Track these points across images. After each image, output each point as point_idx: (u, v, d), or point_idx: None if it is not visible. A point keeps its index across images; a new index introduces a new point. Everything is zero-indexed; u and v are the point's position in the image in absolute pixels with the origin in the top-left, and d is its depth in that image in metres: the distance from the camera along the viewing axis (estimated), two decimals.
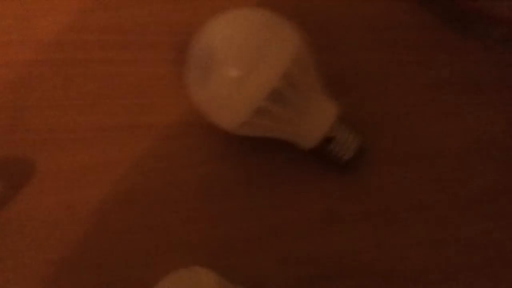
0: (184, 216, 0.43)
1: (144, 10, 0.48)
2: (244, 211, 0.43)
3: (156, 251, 0.42)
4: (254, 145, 0.44)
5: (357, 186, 0.44)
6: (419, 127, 0.46)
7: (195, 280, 0.38)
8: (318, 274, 0.42)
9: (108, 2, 0.48)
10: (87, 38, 0.47)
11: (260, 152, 0.44)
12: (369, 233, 0.43)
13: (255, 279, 0.42)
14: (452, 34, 0.48)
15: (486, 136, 0.46)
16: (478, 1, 0.47)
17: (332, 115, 0.42)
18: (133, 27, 0.47)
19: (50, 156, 0.43)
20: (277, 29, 0.41)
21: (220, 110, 0.41)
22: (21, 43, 0.46)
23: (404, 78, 0.47)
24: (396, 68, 0.47)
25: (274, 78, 0.40)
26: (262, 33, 0.41)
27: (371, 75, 0.47)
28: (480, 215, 0.44)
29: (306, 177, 0.44)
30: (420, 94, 0.47)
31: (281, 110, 0.41)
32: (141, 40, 0.47)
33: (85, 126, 0.44)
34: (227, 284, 0.38)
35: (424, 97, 0.47)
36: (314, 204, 0.44)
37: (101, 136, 0.44)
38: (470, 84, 0.47)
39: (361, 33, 0.48)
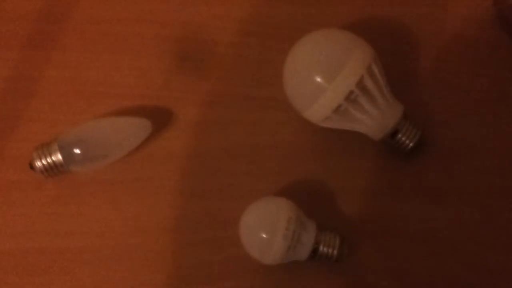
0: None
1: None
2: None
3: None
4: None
5: (418, 167, 0.55)
6: (476, 126, 0.56)
7: (276, 205, 0.50)
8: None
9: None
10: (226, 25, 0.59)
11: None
12: (418, 204, 0.54)
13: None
14: None
15: None
16: None
17: (397, 112, 0.52)
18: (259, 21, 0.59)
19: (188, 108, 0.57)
20: (353, 43, 0.52)
21: (308, 107, 0.52)
22: None
23: (462, 86, 0.57)
24: (457, 76, 0.57)
25: (351, 83, 0.50)
26: (341, 46, 0.52)
27: (433, 80, 0.57)
28: None
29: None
30: (477, 99, 0.57)
31: (356, 110, 0.51)
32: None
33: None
34: (302, 213, 0.50)
35: (480, 102, 0.57)
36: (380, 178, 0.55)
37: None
38: None
39: (431, 45, 0.58)
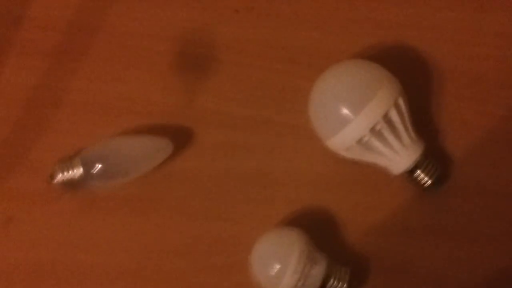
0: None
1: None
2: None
3: None
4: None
5: (434, 206, 0.55)
6: (495, 167, 0.55)
7: (289, 237, 0.50)
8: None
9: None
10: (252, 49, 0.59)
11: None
12: (430, 243, 0.54)
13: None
14: None
15: None
16: None
17: (419, 148, 0.53)
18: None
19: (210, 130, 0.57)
20: (382, 74, 0.53)
21: (332, 135, 0.52)
22: None
23: (485, 126, 0.57)
24: (480, 115, 0.57)
25: (378, 115, 0.51)
26: (371, 77, 0.52)
27: (455, 118, 0.57)
28: None
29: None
30: (497, 141, 0.56)
31: (378, 141, 0.52)
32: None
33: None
34: (314, 246, 0.51)
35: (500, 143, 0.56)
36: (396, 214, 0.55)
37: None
38: None
39: (456, 83, 0.58)
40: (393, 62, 0.55)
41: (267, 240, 0.51)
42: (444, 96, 0.57)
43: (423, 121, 0.55)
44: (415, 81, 0.57)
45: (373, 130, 0.51)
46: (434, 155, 0.54)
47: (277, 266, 0.49)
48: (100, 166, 0.52)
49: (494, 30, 0.59)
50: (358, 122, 0.51)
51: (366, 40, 0.59)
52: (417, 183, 0.54)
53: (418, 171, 0.53)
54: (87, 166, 0.52)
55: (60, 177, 0.53)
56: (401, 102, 0.52)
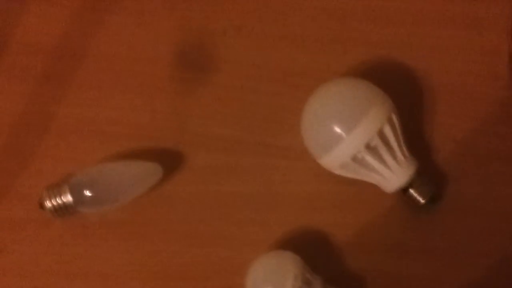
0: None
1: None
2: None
3: None
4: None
5: (428, 225, 0.55)
6: (489, 186, 0.55)
7: (283, 261, 0.50)
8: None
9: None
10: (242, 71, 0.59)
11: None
12: (425, 263, 0.54)
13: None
14: None
15: None
16: None
17: (412, 166, 0.52)
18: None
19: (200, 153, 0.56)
20: (374, 91, 0.53)
21: (325, 153, 0.52)
22: None
23: (476, 144, 0.57)
24: (472, 133, 0.57)
25: (371, 132, 0.51)
26: (363, 94, 0.52)
27: (447, 137, 0.57)
28: None
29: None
30: (490, 158, 0.56)
31: (372, 159, 0.51)
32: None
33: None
34: (308, 269, 0.50)
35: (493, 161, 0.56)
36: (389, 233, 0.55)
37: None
38: None
39: (447, 100, 0.58)
40: (384, 79, 0.55)
41: (261, 264, 0.50)
42: (435, 113, 0.57)
43: (415, 139, 0.55)
44: (406, 99, 0.57)
45: (368, 146, 0.51)
46: (427, 173, 0.54)
47: None
48: (89, 192, 0.52)
49: (484, 47, 0.59)
50: (354, 137, 0.51)
51: (356, 58, 0.58)
52: (411, 201, 0.53)
53: (412, 190, 0.53)
54: (76, 193, 0.52)
55: (49, 205, 0.52)
56: (394, 118, 0.52)
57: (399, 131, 0.52)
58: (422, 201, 0.53)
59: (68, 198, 0.52)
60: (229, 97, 0.58)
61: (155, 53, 0.59)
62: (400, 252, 0.54)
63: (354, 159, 0.51)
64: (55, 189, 0.52)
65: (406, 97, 0.57)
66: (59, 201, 0.52)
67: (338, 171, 0.53)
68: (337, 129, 0.51)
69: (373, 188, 0.53)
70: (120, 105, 0.58)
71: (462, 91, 0.58)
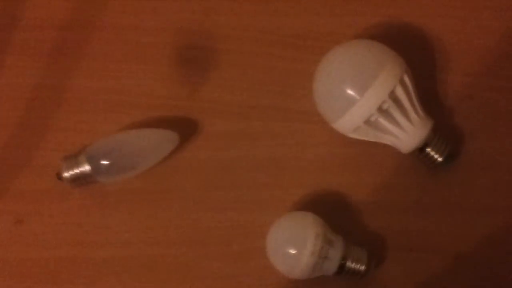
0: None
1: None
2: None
3: None
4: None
5: (446, 182, 0.55)
6: (504, 140, 0.55)
7: (304, 221, 0.50)
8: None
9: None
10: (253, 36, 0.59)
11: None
12: (444, 220, 0.54)
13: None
14: None
15: None
16: None
17: (428, 126, 0.52)
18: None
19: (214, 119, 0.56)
20: (385, 53, 0.52)
21: (338, 117, 0.52)
22: None
23: (491, 100, 0.56)
24: (487, 90, 0.57)
25: (384, 93, 0.50)
26: (373, 56, 0.52)
27: (462, 94, 0.57)
28: None
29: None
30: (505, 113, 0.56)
31: (386, 121, 0.51)
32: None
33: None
34: (329, 229, 0.50)
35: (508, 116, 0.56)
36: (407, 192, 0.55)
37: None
38: None
39: (462, 59, 0.57)
40: (397, 40, 0.55)
41: (282, 225, 0.50)
42: (449, 72, 0.57)
43: (430, 99, 0.55)
44: (419, 58, 0.57)
45: (380, 109, 0.51)
46: (443, 132, 0.53)
47: (294, 250, 0.49)
48: (106, 161, 0.52)
49: (496, 3, 0.58)
50: (365, 101, 0.50)
51: (368, 20, 0.58)
52: (427, 160, 0.53)
53: (428, 149, 0.53)
54: (93, 162, 0.52)
55: (66, 175, 0.52)
56: (406, 79, 0.52)
57: (412, 92, 0.52)
58: (439, 159, 0.53)
59: (85, 167, 0.52)
60: (241, 63, 0.58)
61: (165, 22, 0.59)
62: (419, 210, 0.54)
63: (367, 122, 0.51)
64: (72, 159, 0.52)
65: (419, 56, 0.57)
66: (77, 171, 0.52)
67: (352, 135, 0.53)
68: (349, 93, 0.51)
69: (389, 149, 0.53)
70: (133, 76, 0.58)
71: (475, 48, 0.57)
